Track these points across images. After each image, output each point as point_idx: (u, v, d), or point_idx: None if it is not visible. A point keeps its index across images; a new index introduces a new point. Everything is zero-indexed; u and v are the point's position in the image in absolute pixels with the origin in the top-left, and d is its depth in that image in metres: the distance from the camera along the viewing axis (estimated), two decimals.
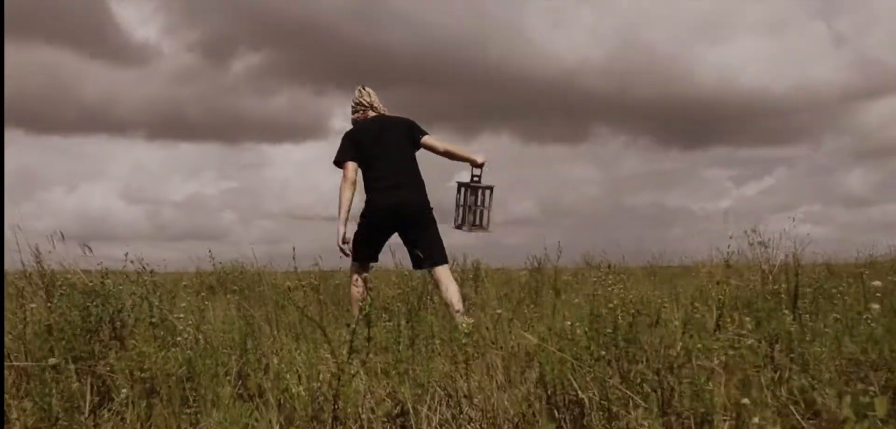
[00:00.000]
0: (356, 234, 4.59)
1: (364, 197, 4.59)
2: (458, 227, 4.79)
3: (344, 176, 4.51)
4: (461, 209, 4.78)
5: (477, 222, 4.77)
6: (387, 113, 4.75)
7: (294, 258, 4.14)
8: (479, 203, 4.75)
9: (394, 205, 4.46)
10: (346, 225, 4.51)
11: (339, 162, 4.55)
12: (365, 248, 4.60)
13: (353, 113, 4.76)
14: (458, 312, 4.17)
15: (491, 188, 4.77)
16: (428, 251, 4.44)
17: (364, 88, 4.76)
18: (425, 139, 4.63)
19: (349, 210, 4.50)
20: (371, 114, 4.71)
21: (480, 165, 4.73)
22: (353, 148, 4.54)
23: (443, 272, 4.45)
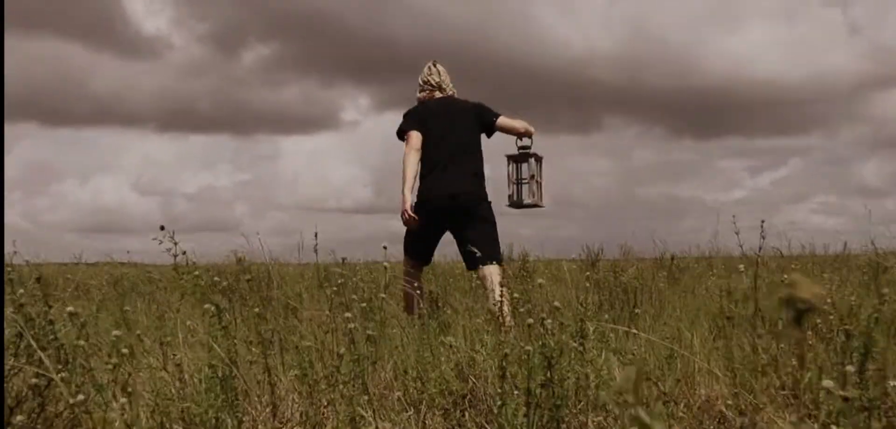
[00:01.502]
0: (408, 229, 4.20)
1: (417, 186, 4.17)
2: (514, 205, 4.45)
3: (408, 144, 4.12)
4: (513, 185, 4.43)
5: (529, 200, 4.40)
6: (456, 95, 4.36)
7: (313, 249, 3.80)
8: (532, 176, 4.39)
9: (449, 195, 4.06)
10: (410, 193, 4.10)
11: (402, 132, 4.19)
12: (417, 244, 4.22)
13: (419, 91, 4.35)
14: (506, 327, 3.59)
15: (541, 158, 4.41)
16: (480, 246, 3.95)
17: (434, 65, 4.36)
18: (500, 121, 4.28)
19: (414, 179, 4.10)
20: (437, 95, 4.31)
21: (531, 136, 4.39)
22: (416, 123, 4.17)
23: (493, 273, 3.98)
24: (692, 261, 8.26)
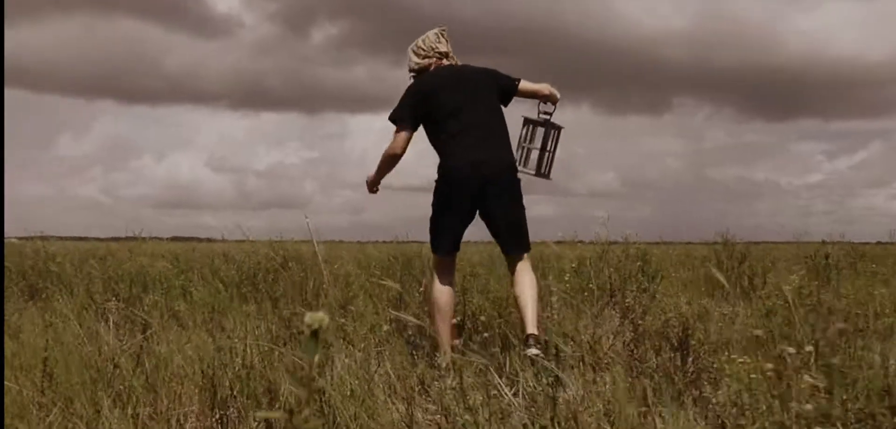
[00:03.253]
0: (433, 214, 3.74)
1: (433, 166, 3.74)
2: (526, 171, 3.96)
3: (394, 140, 3.74)
4: (523, 149, 3.97)
5: (541, 169, 3.96)
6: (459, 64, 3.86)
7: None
8: (545, 146, 3.95)
9: (478, 162, 3.57)
10: (374, 188, 3.96)
11: (395, 120, 3.74)
12: (447, 228, 3.70)
13: (419, 59, 3.81)
14: (531, 335, 3.35)
15: (560, 128, 3.97)
16: (516, 231, 3.68)
17: (443, 34, 3.85)
18: (523, 85, 3.85)
19: (383, 176, 3.88)
20: (444, 64, 3.81)
21: (555, 102, 3.94)
22: (420, 104, 3.70)
23: (526, 265, 3.64)
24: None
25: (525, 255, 3.66)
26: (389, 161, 3.79)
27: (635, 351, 3.33)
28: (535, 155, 3.95)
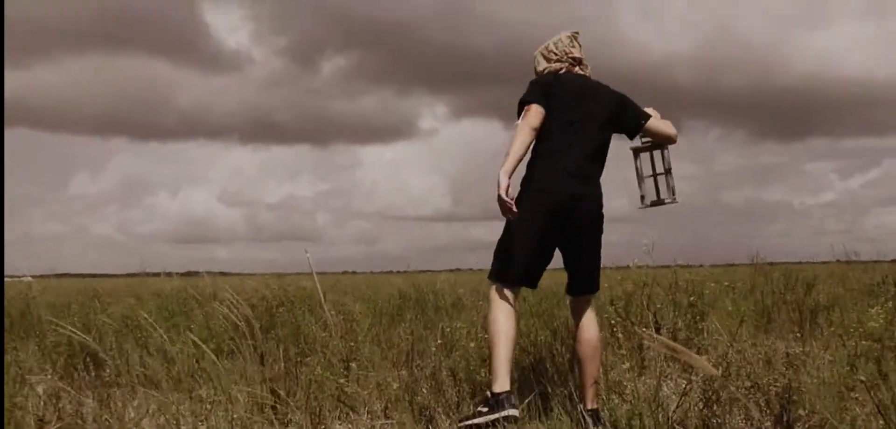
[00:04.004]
0: (506, 235, 3.26)
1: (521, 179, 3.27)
2: (649, 205, 3.64)
3: (525, 116, 3.22)
4: (644, 181, 3.62)
5: (668, 194, 3.59)
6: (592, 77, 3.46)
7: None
8: (668, 169, 3.59)
9: (574, 197, 3.18)
10: (510, 176, 3.11)
11: (525, 102, 3.26)
12: (525, 257, 3.21)
13: (550, 62, 3.41)
14: (593, 412, 3.06)
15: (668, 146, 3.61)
16: (593, 275, 3.31)
17: (576, 38, 3.47)
18: (652, 123, 3.45)
19: (519, 162, 3.17)
20: (578, 71, 3.42)
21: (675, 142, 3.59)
22: (542, 95, 3.26)
23: (592, 316, 3.29)
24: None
25: (591, 297, 3.31)
26: (521, 137, 3.17)
27: (712, 418, 2.59)
28: (661, 181, 3.61)
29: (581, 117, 3.24)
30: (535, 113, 3.19)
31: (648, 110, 3.45)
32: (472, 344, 3.95)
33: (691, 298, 4.17)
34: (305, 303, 6.10)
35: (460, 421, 3.02)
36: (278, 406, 3.09)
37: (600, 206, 3.28)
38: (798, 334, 4.54)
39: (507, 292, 3.14)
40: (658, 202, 3.60)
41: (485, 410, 2.94)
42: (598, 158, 3.32)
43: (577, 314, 3.26)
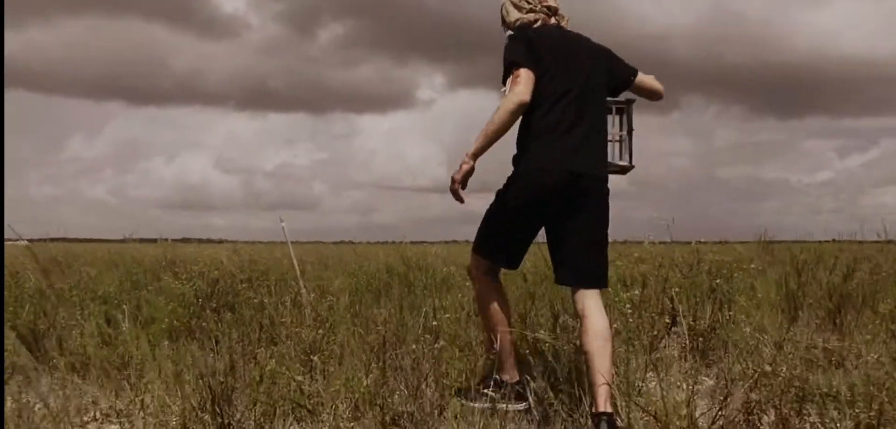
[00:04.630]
0: (494, 212, 2.86)
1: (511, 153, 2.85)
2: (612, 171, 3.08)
3: (513, 86, 2.69)
4: (617, 143, 3.11)
5: (626, 159, 3.10)
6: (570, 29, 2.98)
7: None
8: (631, 130, 3.11)
9: (577, 174, 2.71)
10: (475, 158, 2.72)
11: (513, 63, 2.73)
12: (508, 237, 2.86)
13: (522, 11, 2.91)
14: (605, 416, 2.48)
15: (633, 102, 3.12)
16: (599, 260, 2.78)
17: None
18: (640, 78, 3.03)
19: (494, 141, 2.71)
20: (552, 22, 2.93)
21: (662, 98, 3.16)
22: (531, 56, 2.74)
23: (600, 307, 2.71)
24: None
25: (599, 292, 2.77)
26: (513, 114, 2.70)
27: None
28: (616, 146, 3.11)
29: (574, 82, 2.78)
30: (526, 81, 2.70)
31: None
32: (460, 333, 3.37)
33: (717, 282, 3.58)
34: (282, 277, 5.52)
35: (464, 400, 2.72)
36: (219, 407, 2.50)
37: (604, 180, 2.86)
38: (834, 325, 3.96)
39: (490, 268, 2.88)
40: (616, 168, 3.11)
41: (490, 393, 2.68)
42: (600, 128, 2.90)
43: (581, 305, 2.74)
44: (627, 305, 3.36)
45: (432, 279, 5.48)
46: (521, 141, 2.78)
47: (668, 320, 3.69)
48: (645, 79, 3.04)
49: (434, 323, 3.54)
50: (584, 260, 2.75)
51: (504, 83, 2.76)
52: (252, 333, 3.53)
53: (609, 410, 2.51)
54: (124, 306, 3.97)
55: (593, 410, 2.51)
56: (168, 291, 4.37)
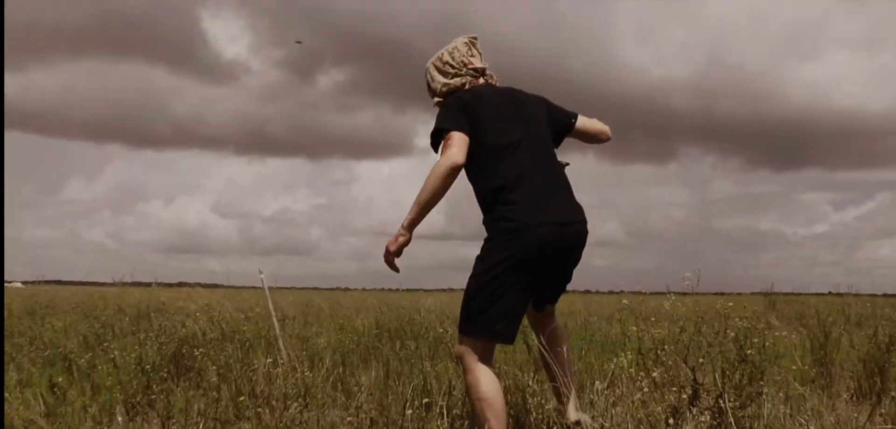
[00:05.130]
0: (483, 283, 2.52)
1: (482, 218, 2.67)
2: None
3: (445, 150, 2.53)
4: None
5: None
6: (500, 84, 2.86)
7: None
8: None
9: (564, 223, 2.60)
10: (411, 231, 2.56)
11: (444, 128, 2.58)
12: (509, 307, 2.51)
13: (447, 77, 2.79)
14: (580, 423, 2.65)
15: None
16: (563, 289, 2.83)
17: (474, 45, 2.84)
18: (581, 122, 2.93)
19: (427, 212, 2.54)
20: (481, 83, 2.80)
21: (608, 140, 3.11)
22: (464, 119, 2.59)
23: (555, 315, 2.86)
24: None
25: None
26: (446, 178, 2.53)
27: None
28: None
29: (523, 133, 2.69)
30: (458, 144, 2.54)
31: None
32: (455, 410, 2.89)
33: (749, 353, 3.10)
34: (261, 334, 5.03)
35: None
36: None
37: (586, 230, 2.74)
38: (875, 401, 3.48)
39: (484, 351, 2.56)
40: None
41: None
42: (562, 175, 2.80)
43: (544, 325, 2.84)
44: (645, 386, 2.90)
45: (424, 339, 5.00)
46: (488, 202, 2.62)
47: (688, 394, 3.22)
48: (587, 122, 2.95)
49: (426, 400, 3.06)
50: (561, 289, 2.81)
51: (436, 149, 2.65)
52: (217, 405, 3.04)
53: (583, 416, 2.68)
54: (75, 371, 3.47)
55: (564, 415, 2.66)
56: (129, 353, 3.88)
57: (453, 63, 2.82)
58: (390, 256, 2.62)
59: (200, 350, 3.81)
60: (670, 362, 3.26)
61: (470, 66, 2.82)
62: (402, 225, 2.57)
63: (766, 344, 3.12)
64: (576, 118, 2.94)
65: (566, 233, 2.61)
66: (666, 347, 3.38)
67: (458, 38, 2.89)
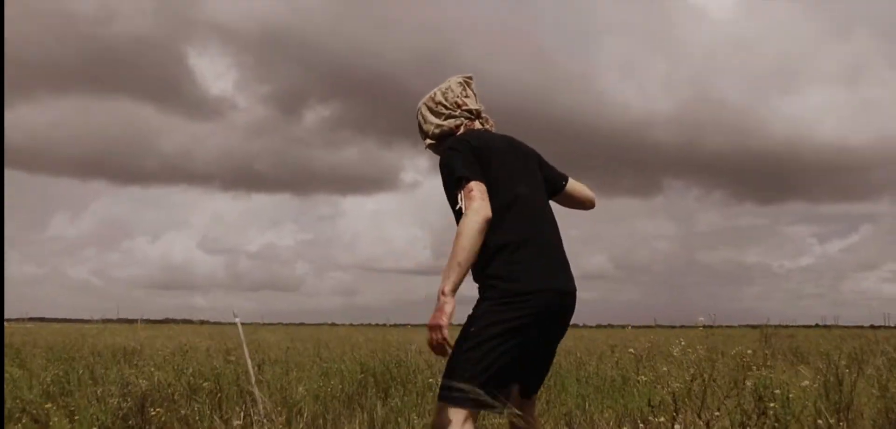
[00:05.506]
0: (475, 346, 2.23)
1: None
2: None
3: (469, 202, 2.27)
4: None
5: None
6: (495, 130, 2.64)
7: None
8: None
9: (563, 293, 2.37)
10: (454, 293, 2.19)
11: (464, 177, 2.31)
12: (496, 373, 2.23)
13: (440, 118, 2.57)
14: None
15: None
16: (545, 372, 2.53)
17: (470, 84, 2.64)
18: (571, 186, 2.73)
19: (469, 268, 2.25)
20: (477, 127, 2.57)
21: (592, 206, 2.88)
22: (479, 165, 2.36)
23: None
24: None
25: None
26: (480, 235, 2.26)
27: None
28: None
29: (527, 185, 2.47)
30: (481, 194, 2.30)
31: None
32: None
33: (772, 406, 2.78)
34: (236, 383, 4.65)
35: None
36: None
37: (575, 298, 2.50)
38: None
39: (467, 421, 2.23)
40: None
41: None
42: (558, 232, 2.55)
43: (530, 408, 2.47)
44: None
45: (412, 386, 4.63)
46: (487, 257, 2.31)
47: None
48: (576, 186, 2.76)
49: None
50: (545, 371, 2.50)
51: (452, 202, 2.37)
52: None
53: None
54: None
55: None
56: (87, 409, 3.49)
57: (446, 104, 2.61)
58: (442, 333, 2.24)
59: (159, 409, 3.42)
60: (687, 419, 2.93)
61: (464, 108, 2.60)
62: (443, 291, 2.24)
63: (790, 396, 2.80)
64: (566, 181, 2.74)
65: (563, 303, 2.39)
66: (676, 393, 3.06)
67: (453, 77, 2.68)
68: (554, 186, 2.69)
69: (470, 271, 2.30)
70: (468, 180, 2.31)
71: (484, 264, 2.33)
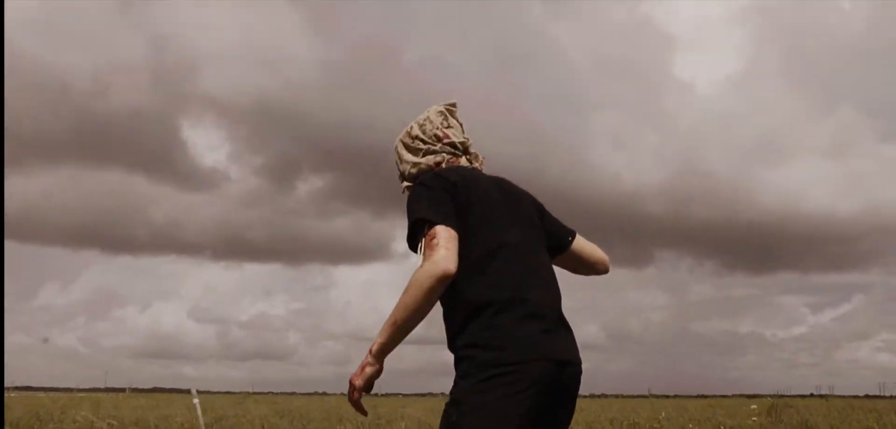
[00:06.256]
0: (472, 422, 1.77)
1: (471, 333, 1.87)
2: None
3: (429, 251, 1.82)
4: None
5: None
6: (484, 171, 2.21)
7: None
8: None
9: (563, 363, 1.89)
10: (381, 358, 1.91)
11: (430, 218, 1.87)
12: None
13: (418, 155, 2.14)
14: None
15: None
16: None
17: (453, 113, 2.21)
18: (580, 244, 2.26)
19: (409, 332, 1.87)
20: (463, 163, 2.14)
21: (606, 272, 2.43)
22: (452, 206, 1.92)
23: None
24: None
25: None
26: (432, 292, 1.82)
27: None
28: None
29: (522, 232, 2.03)
30: (448, 244, 1.84)
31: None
32: None
33: None
34: None
35: None
36: None
37: (580, 368, 2.05)
38: None
39: None
40: None
41: None
42: (559, 289, 2.09)
43: None
44: None
45: None
46: (464, 319, 1.88)
47: None
48: (585, 245, 2.28)
49: None
50: None
51: (414, 248, 1.92)
52: None
53: None
54: None
55: None
56: None
57: (424, 137, 2.17)
58: (356, 393, 1.93)
59: None
60: None
61: (446, 141, 2.16)
62: (371, 351, 1.91)
63: None
64: (574, 237, 2.26)
65: (563, 376, 1.91)
66: None
67: (432, 106, 2.24)
68: (557, 241, 2.22)
69: (446, 338, 1.90)
70: (432, 224, 1.85)
71: (457, 328, 1.88)
